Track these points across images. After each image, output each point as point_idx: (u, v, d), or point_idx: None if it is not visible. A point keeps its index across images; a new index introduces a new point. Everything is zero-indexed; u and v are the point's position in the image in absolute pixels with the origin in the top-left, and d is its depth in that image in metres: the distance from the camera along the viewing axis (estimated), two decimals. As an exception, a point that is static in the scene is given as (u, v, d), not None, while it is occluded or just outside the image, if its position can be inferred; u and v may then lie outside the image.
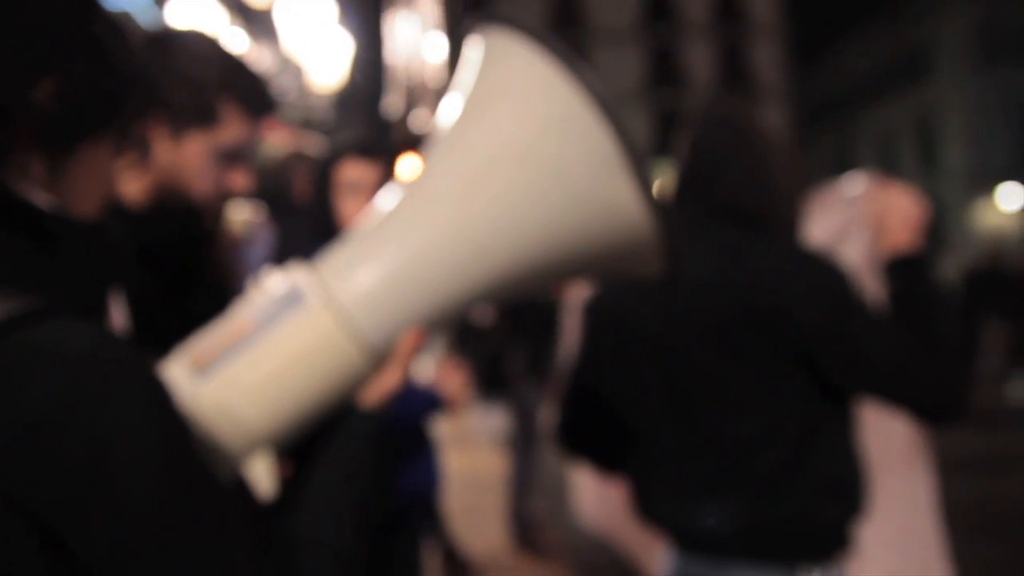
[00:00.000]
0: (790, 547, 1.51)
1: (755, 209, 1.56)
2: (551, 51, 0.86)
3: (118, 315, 1.01)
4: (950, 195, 30.02)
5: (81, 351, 0.63)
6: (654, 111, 35.28)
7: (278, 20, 9.02)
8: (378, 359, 0.85)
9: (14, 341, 0.62)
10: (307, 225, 2.11)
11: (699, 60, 35.79)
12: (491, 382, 5.46)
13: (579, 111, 0.85)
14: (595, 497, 2.13)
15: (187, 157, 1.26)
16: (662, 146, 34.53)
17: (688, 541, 1.56)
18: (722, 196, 1.57)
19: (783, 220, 1.59)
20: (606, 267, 0.97)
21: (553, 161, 0.86)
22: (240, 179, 1.30)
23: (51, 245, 0.72)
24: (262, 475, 0.83)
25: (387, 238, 0.87)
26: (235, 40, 7.79)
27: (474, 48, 0.94)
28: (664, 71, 35.63)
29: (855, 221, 1.67)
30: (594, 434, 1.73)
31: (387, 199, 0.91)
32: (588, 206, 0.87)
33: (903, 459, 1.82)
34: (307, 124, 9.11)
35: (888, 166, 32.82)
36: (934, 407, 1.47)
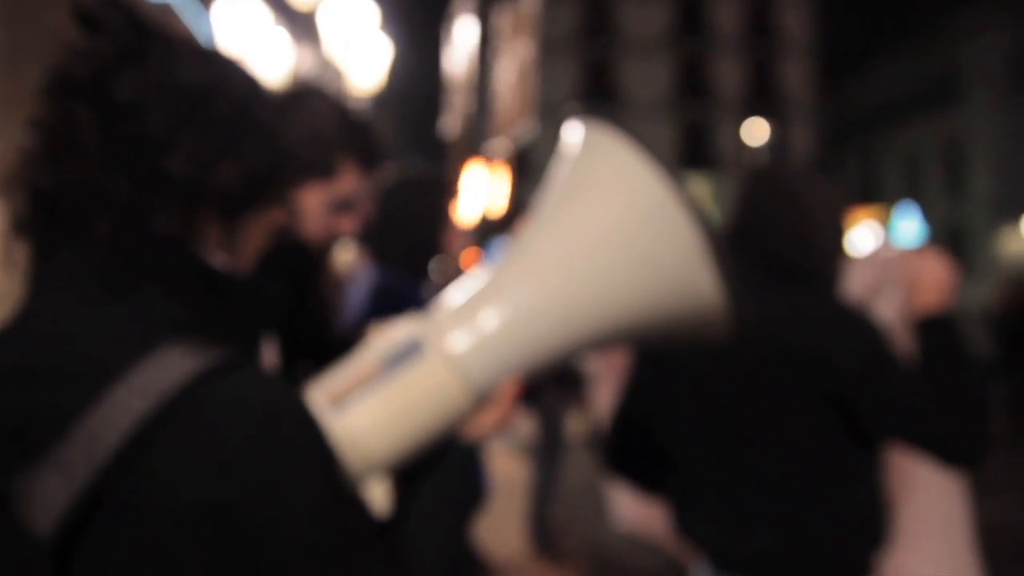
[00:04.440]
0: (817, 574, 1.67)
1: (799, 263, 1.72)
2: (652, 160, 1.04)
3: (269, 355, 1.18)
4: (975, 221, 29.93)
5: (265, 404, 0.80)
6: (681, 122, 35.35)
7: (321, 23, 9.18)
8: (482, 401, 1.03)
9: (212, 390, 0.78)
10: (394, 247, 2.09)
11: (728, 74, 35.83)
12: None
13: (670, 210, 1.03)
14: (635, 501, 2.26)
15: (305, 205, 1.41)
16: (688, 157, 34.66)
17: (723, 561, 1.73)
18: (768, 249, 1.73)
19: (824, 275, 1.75)
20: (680, 334, 1.14)
21: (647, 247, 1.04)
22: (349, 224, 1.45)
23: (228, 300, 0.89)
24: (378, 495, 1.00)
25: (499, 297, 1.04)
26: (277, 40, 7.98)
27: (578, 136, 1.12)
28: (692, 83, 35.70)
29: (889, 280, 1.82)
30: (639, 458, 1.90)
31: (499, 259, 1.08)
32: (673, 287, 1.05)
33: (938, 484, 1.93)
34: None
35: (913, 190, 32.76)
36: (957, 454, 1.62)
